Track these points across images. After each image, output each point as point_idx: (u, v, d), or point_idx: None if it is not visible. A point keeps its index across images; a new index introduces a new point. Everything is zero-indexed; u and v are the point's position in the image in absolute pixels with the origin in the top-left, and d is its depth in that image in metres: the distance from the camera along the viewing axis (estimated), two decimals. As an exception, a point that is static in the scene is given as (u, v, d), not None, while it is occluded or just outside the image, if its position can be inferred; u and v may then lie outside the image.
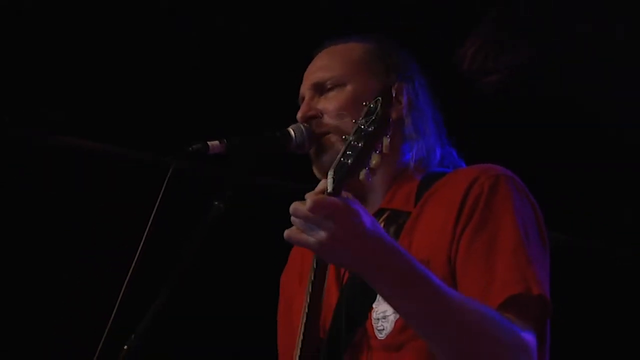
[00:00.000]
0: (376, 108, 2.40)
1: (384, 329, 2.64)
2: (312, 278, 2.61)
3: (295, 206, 2.24)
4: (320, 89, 2.92)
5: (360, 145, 2.34)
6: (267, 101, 4.78)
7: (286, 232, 2.27)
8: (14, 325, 4.98)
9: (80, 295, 4.98)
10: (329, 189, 2.29)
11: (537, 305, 2.55)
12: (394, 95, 2.47)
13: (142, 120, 5.02)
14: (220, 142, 2.76)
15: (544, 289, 2.56)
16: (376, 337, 2.64)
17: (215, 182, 2.67)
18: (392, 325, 2.62)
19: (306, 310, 2.63)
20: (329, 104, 2.88)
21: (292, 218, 2.26)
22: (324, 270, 2.64)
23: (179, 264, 2.63)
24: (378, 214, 2.83)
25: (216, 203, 2.67)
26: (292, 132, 2.84)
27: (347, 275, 2.77)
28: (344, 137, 2.49)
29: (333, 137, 2.85)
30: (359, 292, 2.67)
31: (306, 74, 2.98)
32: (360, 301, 2.68)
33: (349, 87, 2.88)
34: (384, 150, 2.37)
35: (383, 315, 2.64)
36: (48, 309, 5.03)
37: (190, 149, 2.74)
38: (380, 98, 2.41)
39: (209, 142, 2.76)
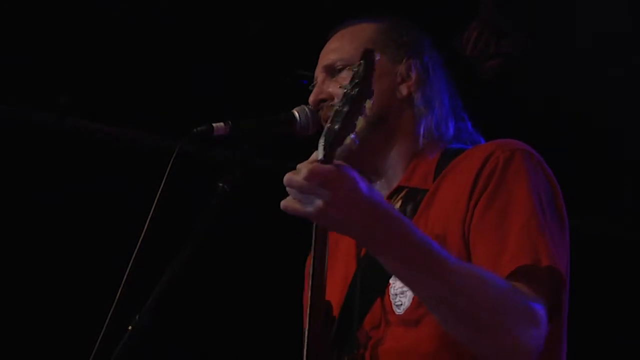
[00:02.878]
0: (358, 71, 2.40)
1: (402, 304, 2.64)
2: (313, 252, 2.60)
3: (288, 176, 2.23)
4: (331, 71, 2.91)
5: (345, 110, 2.33)
6: (273, 85, 4.79)
7: (282, 203, 2.25)
8: (17, 302, 5.01)
9: (84, 278, 5.01)
10: (320, 157, 2.27)
11: (548, 277, 2.52)
12: (377, 58, 2.43)
13: (147, 103, 5.03)
14: (224, 124, 2.76)
15: (555, 261, 2.53)
16: (394, 312, 2.64)
17: (220, 164, 2.68)
18: (410, 300, 2.62)
19: (311, 285, 2.62)
20: (339, 87, 2.82)
21: (288, 189, 2.24)
22: (322, 242, 2.62)
23: (184, 246, 2.63)
24: (396, 191, 2.83)
25: (221, 185, 2.67)
26: (296, 115, 2.83)
27: (364, 249, 2.77)
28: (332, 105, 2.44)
29: None
30: (375, 267, 2.62)
31: (320, 57, 2.97)
32: (376, 276, 2.68)
33: None
34: (367, 113, 2.37)
35: (401, 291, 2.64)
36: (54, 290, 5.07)
37: (195, 130, 2.75)
38: (362, 61, 2.40)
39: (213, 124, 2.76)
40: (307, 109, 2.86)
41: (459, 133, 2.89)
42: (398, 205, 2.79)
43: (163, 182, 2.75)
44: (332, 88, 2.88)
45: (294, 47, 4.55)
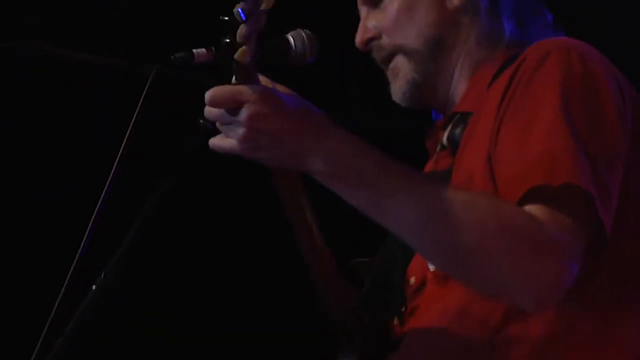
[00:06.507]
0: None
1: None
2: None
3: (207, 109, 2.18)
4: (371, 1, 2.65)
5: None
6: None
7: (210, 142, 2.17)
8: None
9: (51, 212, 4.80)
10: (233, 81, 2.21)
11: (573, 199, 2.15)
12: None
13: (121, 25, 4.87)
14: (207, 50, 2.51)
15: (582, 178, 2.15)
16: (428, 269, 2.43)
17: (201, 94, 2.51)
18: None
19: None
20: (384, 18, 2.62)
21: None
22: (287, 189, 2.57)
23: (158, 187, 2.49)
24: (449, 118, 2.57)
25: (202, 122, 2.42)
26: (290, 40, 2.57)
27: None
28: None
29: (399, 60, 2.61)
30: None
31: None
32: None
33: None
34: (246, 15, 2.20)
35: None
36: (18, 225, 4.82)
37: (173, 57, 2.50)
38: None
39: (194, 50, 2.51)
40: (303, 33, 2.59)
41: (536, 29, 2.57)
42: (447, 132, 2.55)
43: (136, 113, 2.68)
44: (377, 21, 2.64)
45: None
